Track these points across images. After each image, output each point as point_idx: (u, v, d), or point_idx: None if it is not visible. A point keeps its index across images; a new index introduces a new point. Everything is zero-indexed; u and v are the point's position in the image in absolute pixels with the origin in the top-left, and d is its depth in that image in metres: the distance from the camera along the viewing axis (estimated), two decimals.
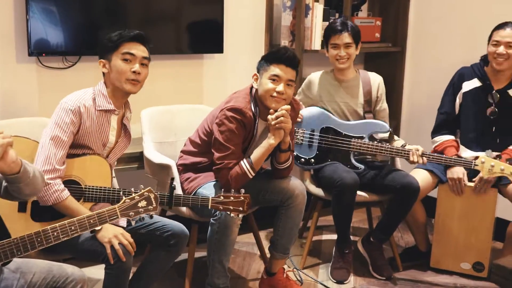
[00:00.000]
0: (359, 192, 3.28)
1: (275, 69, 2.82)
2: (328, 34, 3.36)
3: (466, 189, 3.31)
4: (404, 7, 4.38)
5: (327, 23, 3.95)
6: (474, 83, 3.40)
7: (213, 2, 3.76)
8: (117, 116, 2.63)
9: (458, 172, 3.29)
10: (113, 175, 2.82)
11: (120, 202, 2.10)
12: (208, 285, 2.88)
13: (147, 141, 3.27)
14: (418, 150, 3.18)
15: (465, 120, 3.42)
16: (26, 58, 3.24)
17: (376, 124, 3.34)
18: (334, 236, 3.41)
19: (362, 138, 3.30)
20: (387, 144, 3.31)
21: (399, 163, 3.55)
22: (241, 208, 2.59)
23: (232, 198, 2.58)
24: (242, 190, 2.60)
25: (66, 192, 2.42)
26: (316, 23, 3.92)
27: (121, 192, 2.42)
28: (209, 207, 2.58)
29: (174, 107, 3.47)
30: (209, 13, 3.78)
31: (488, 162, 3.07)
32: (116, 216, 2.07)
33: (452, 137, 3.44)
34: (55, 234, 1.92)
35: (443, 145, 3.41)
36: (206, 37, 3.81)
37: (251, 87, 2.95)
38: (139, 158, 3.28)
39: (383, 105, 3.49)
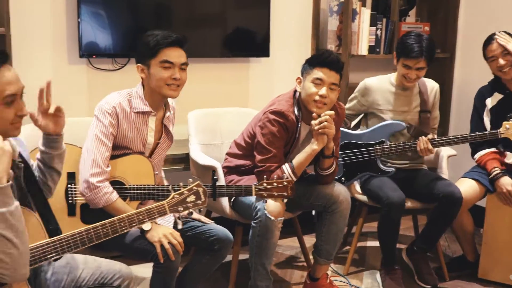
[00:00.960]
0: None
1: (318, 73, 2.80)
2: (403, 53, 3.21)
3: None
4: (454, 12, 4.31)
5: (374, 28, 3.94)
6: (496, 97, 3.37)
7: (260, 7, 3.78)
8: (155, 117, 2.63)
9: (506, 184, 3.21)
10: (163, 175, 2.86)
11: (169, 198, 2.10)
12: (251, 287, 2.88)
13: (193, 143, 3.30)
14: (425, 137, 3.13)
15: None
16: (77, 60, 3.32)
17: (391, 125, 3.28)
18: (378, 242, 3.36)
19: (383, 142, 3.25)
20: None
21: (446, 170, 3.48)
22: (285, 193, 2.61)
23: (275, 184, 2.60)
24: (285, 175, 2.66)
25: (115, 194, 2.45)
26: (363, 28, 3.89)
27: (169, 187, 2.48)
28: (253, 195, 2.61)
29: (220, 109, 3.49)
30: (256, 17, 3.80)
31: None
32: (165, 212, 2.08)
33: (491, 149, 3.36)
34: (105, 230, 1.94)
35: (483, 160, 3.35)
36: (253, 41, 3.83)
37: (295, 91, 2.93)
38: (185, 159, 3.31)
39: (436, 113, 3.45)
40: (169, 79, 2.51)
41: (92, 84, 3.40)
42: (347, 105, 3.42)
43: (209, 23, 3.67)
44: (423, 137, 3.17)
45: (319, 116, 2.77)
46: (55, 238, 1.87)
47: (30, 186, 2.00)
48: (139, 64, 2.56)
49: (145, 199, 2.58)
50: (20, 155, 1.98)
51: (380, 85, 3.37)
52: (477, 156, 3.40)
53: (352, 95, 3.46)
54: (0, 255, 1.63)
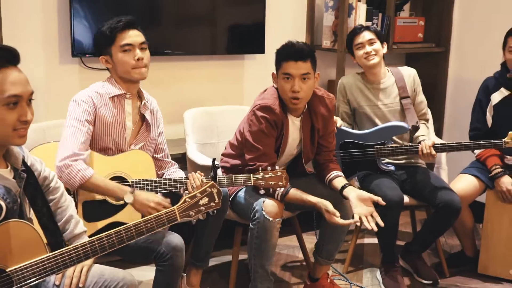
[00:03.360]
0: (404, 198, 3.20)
1: (285, 68, 2.75)
2: (350, 38, 3.31)
3: None
4: (448, 7, 4.28)
5: (370, 23, 3.90)
6: (502, 93, 3.32)
7: (255, 3, 3.73)
8: (131, 100, 2.61)
9: (506, 183, 3.20)
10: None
11: (180, 202, 2.02)
12: None
13: (190, 142, 3.25)
14: (428, 141, 3.10)
15: (501, 130, 3.28)
16: (69, 59, 3.25)
17: (395, 127, 3.24)
18: (377, 240, 3.34)
19: (384, 144, 3.22)
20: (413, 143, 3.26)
21: (445, 166, 3.47)
22: (280, 183, 2.66)
23: (271, 173, 2.65)
24: (277, 166, 2.68)
25: (90, 170, 2.40)
26: (359, 23, 3.84)
27: (177, 181, 2.54)
28: (252, 184, 2.64)
29: (215, 108, 3.45)
30: (251, 13, 3.75)
31: None
32: (175, 219, 2.01)
33: None
34: (110, 241, 1.88)
35: (484, 155, 3.33)
36: (248, 38, 3.79)
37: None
38: (182, 159, 3.26)
39: (420, 97, 3.39)
40: (133, 61, 2.52)
41: (84, 84, 3.26)
42: (340, 110, 3.37)
43: (203, 20, 3.62)
44: (426, 142, 3.11)
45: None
46: (57, 252, 1.80)
47: (32, 196, 1.93)
48: (101, 56, 2.58)
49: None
50: (24, 163, 1.91)
51: (356, 83, 3.35)
52: (477, 151, 3.38)
53: (336, 102, 3.36)
54: None
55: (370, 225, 2.66)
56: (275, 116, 2.77)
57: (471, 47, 4.27)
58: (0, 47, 1.77)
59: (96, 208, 2.47)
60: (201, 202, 2.04)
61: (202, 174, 2.58)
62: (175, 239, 2.41)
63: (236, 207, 2.91)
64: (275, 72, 2.85)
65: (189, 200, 2.01)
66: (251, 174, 2.67)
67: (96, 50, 2.64)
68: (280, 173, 2.67)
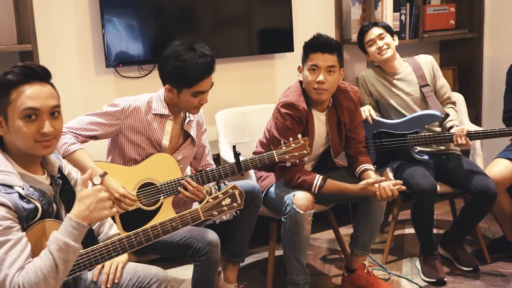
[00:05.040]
0: (439, 186, 3.18)
1: (312, 59, 2.80)
2: (361, 37, 3.36)
3: None
4: None
5: (398, 14, 3.91)
6: None
7: (281, 1, 3.78)
8: (173, 122, 2.67)
9: None
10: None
11: (203, 202, 2.11)
12: (288, 283, 2.89)
13: (223, 143, 3.33)
14: (463, 131, 3.07)
15: None
16: (104, 70, 3.38)
17: (427, 116, 3.24)
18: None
19: (417, 132, 3.22)
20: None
21: (479, 152, 3.44)
22: (305, 151, 2.71)
23: (293, 145, 2.70)
24: (299, 136, 2.73)
25: (75, 147, 2.49)
26: (386, 15, 3.87)
27: (198, 175, 2.60)
28: (276, 160, 2.69)
29: (247, 108, 3.52)
30: (278, 12, 3.81)
31: None
32: (199, 218, 2.09)
33: None
34: (138, 239, 1.97)
35: None
36: (276, 37, 3.84)
37: (301, 80, 2.93)
38: (216, 160, 3.33)
39: (441, 82, 3.39)
40: (198, 104, 2.59)
41: (121, 93, 3.45)
42: (365, 103, 3.40)
43: (232, 23, 3.69)
44: (460, 131, 3.10)
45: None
46: (89, 249, 1.90)
47: (67, 202, 2.04)
48: (168, 85, 2.59)
49: (178, 193, 2.61)
50: (59, 171, 2.03)
51: (375, 75, 3.39)
52: None
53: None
54: (41, 275, 1.70)
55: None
56: (298, 113, 2.82)
57: (504, 31, 4.20)
58: (22, 65, 1.88)
59: (132, 217, 2.54)
60: (223, 203, 2.12)
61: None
62: (211, 235, 2.50)
63: (269, 202, 2.97)
64: (301, 65, 2.91)
65: (212, 201, 2.11)
66: (274, 151, 2.72)
67: (164, 76, 2.60)
68: (303, 141, 2.71)
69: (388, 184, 2.76)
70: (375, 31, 3.29)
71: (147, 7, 3.42)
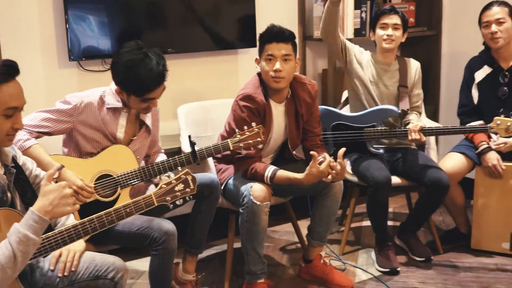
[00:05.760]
0: (394, 178, 3.29)
1: (268, 49, 2.90)
2: (379, 15, 3.39)
3: (503, 170, 3.29)
4: None
5: (358, 11, 3.99)
6: (485, 70, 3.42)
7: None
8: (127, 114, 2.72)
9: (492, 158, 3.28)
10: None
11: (156, 188, 2.17)
12: (246, 273, 2.97)
13: (184, 136, 3.37)
14: (417, 127, 3.18)
15: (484, 108, 3.41)
16: (67, 63, 3.40)
17: (384, 110, 3.35)
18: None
19: (374, 126, 3.33)
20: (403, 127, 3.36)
21: (434, 146, 3.56)
22: (259, 139, 2.78)
23: (247, 133, 2.78)
24: (253, 124, 2.79)
25: (29, 142, 2.54)
26: (347, 12, 3.95)
27: (159, 165, 2.66)
28: (231, 149, 2.76)
29: (209, 102, 3.57)
30: (242, 8, 3.86)
31: (504, 123, 3.08)
32: (152, 203, 2.15)
33: (479, 122, 3.41)
34: (92, 225, 2.03)
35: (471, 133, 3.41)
36: (240, 32, 3.89)
37: (259, 73, 3.02)
38: (178, 153, 3.38)
39: (418, 90, 3.50)
40: (147, 107, 2.65)
41: (84, 86, 3.45)
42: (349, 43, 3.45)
43: (197, 18, 3.73)
44: (414, 127, 3.20)
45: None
46: (43, 236, 1.95)
47: (22, 191, 2.09)
48: (118, 88, 2.63)
49: (134, 184, 2.68)
50: (13, 160, 2.08)
51: (371, 57, 3.46)
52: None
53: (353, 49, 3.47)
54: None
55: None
56: (256, 104, 2.90)
57: (462, 29, 4.33)
58: (3, 63, 1.94)
59: (90, 209, 2.51)
60: (176, 188, 2.18)
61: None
62: (167, 224, 2.56)
63: (228, 194, 3.04)
64: (258, 57, 3.00)
65: (165, 186, 2.17)
66: (229, 139, 2.79)
67: (115, 77, 2.63)
68: (257, 129, 2.78)
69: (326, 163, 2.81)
70: (394, 19, 3.33)
71: (113, 2, 3.44)
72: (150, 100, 2.62)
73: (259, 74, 3.03)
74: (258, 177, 2.88)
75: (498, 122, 3.10)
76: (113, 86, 2.69)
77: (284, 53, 2.88)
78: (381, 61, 3.44)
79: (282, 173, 2.88)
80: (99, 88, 2.73)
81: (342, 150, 2.83)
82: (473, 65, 3.49)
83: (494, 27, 3.28)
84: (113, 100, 2.68)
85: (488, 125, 3.16)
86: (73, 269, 2.18)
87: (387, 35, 3.33)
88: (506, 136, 3.13)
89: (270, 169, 2.88)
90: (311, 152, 2.81)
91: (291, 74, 2.94)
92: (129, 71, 2.54)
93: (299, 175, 2.84)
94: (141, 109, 2.69)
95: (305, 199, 3.57)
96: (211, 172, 3.08)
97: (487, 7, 3.35)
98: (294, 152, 3.14)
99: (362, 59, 3.43)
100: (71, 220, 2.28)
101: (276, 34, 2.90)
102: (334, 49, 3.38)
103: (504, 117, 3.09)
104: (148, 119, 2.82)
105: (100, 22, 3.41)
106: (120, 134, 2.71)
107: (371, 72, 3.43)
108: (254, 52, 3.92)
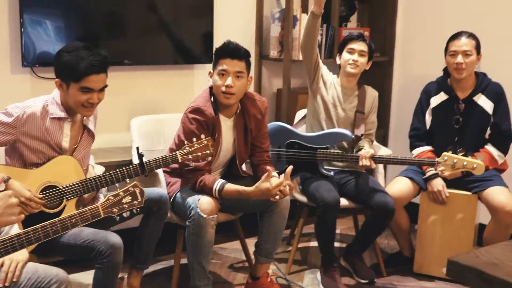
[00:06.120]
0: (342, 200, 3.35)
1: (221, 64, 2.95)
2: (347, 40, 3.47)
3: (447, 197, 3.39)
4: (392, 17, 4.48)
5: None
6: (441, 96, 3.50)
7: (204, 14, 3.86)
8: (70, 123, 2.69)
9: (437, 185, 3.38)
10: (92, 163, 2.93)
11: (104, 200, 2.16)
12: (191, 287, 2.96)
13: (136, 149, 3.35)
14: (368, 153, 3.26)
15: (437, 134, 3.50)
16: (20, 69, 3.34)
17: (339, 134, 3.42)
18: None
19: (327, 148, 3.39)
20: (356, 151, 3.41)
21: (381, 169, 3.64)
22: (208, 151, 2.79)
23: (196, 145, 2.78)
24: (202, 136, 2.79)
25: None
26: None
27: (106, 177, 2.61)
28: (180, 161, 2.75)
29: (163, 115, 3.57)
30: (200, 24, 3.88)
31: (450, 159, 3.16)
32: (99, 215, 2.14)
33: (428, 148, 3.52)
34: (37, 235, 2.00)
35: (420, 157, 3.49)
36: (197, 48, 3.91)
37: (211, 87, 3.06)
38: (128, 165, 3.35)
39: (373, 118, 3.60)
40: (86, 102, 2.60)
41: (36, 93, 3.37)
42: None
43: (154, 30, 3.74)
44: (366, 153, 3.27)
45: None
46: None
47: None
48: (58, 79, 2.62)
49: (81, 195, 2.64)
50: None
51: (335, 80, 3.53)
52: (415, 152, 3.56)
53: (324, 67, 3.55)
54: None
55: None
56: (205, 117, 2.94)
57: (413, 56, 4.46)
58: None
59: (34, 220, 2.44)
60: (124, 200, 2.18)
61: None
62: (114, 237, 2.53)
63: (176, 208, 3.04)
64: (211, 71, 3.04)
65: (112, 198, 2.16)
66: (178, 151, 2.78)
67: (55, 70, 2.65)
68: (206, 141, 2.80)
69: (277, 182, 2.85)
70: (361, 46, 3.43)
71: (71, 8, 3.42)
72: (89, 92, 2.57)
73: (210, 88, 3.06)
74: (206, 190, 2.90)
75: (446, 158, 3.17)
76: (55, 95, 2.66)
77: (237, 70, 2.93)
78: (343, 85, 3.51)
79: (231, 186, 2.90)
80: (42, 97, 2.69)
81: (290, 169, 2.87)
82: (430, 90, 3.56)
83: (460, 58, 3.33)
84: (56, 110, 2.64)
85: (436, 159, 3.24)
86: (14, 279, 2.13)
87: (353, 60, 3.42)
88: (452, 172, 3.22)
89: (219, 182, 2.90)
90: (267, 167, 2.86)
91: (241, 91, 2.98)
92: (70, 54, 2.56)
93: (247, 188, 2.87)
94: (80, 105, 2.59)
95: (255, 217, 3.58)
96: (161, 186, 3.08)
97: (456, 36, 3.40)
98: (242, 168, 3.16)
99: (327, 80, 3.51)
100: (14, 230, 2.24)
101: (232, 51, 2.94)
102: (309, 64, 3.44)
103: (452, 153, 3.18)
104: (91, 123, 2.79)
105: (57, 27, 3.38)
106: (66, 143, 2.68)
107: (332, 95, 3.50)
108: (210, 68, 3.93)
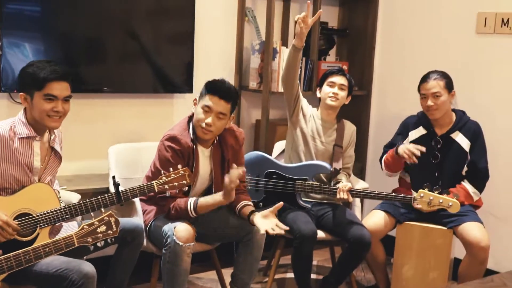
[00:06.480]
0: (319, 232, 3.35)
1: (208, 100, 2.96)
2: (327, 74, 3.54)
3: (422, 230, 3.40)
4: (370, 53, 4.55)
5: None
6: (419, 131, 3.55)
7: (184, 44, 3.89)
8: (40, 142, 2.68)
9: (403, 149, 3.35)
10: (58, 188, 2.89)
11: (78, 229, 2.14)
12: None
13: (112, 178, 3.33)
14: (345, 187, 3.28)
15: (416, 168, 3.50)
16: None
17: (318, 166, 3.46)
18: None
19: (306, 180, 3.41)
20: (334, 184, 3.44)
21: (358, 202, 3.66)
22: (184, 181, 2.77)
23: (173, 175, 2.76)
24: (179, 166, 2.78)
25: None
26: (283, 66, 4.03)
27: (76, 205, 2.57)
28: (156, 190, 2.73)
29: (141, 144, 3.56)
30: (181, 54, 3.91)
31: (427, 196, 3.20)
32: (73, 244, 2.11)
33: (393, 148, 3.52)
34: (9, 264, 1.97)
35: (387, 156, 3.52)
36: (178, 78, 3.93)
37: (190, 116, 3.07)
38: (105, 193, 3.32)
39: (350, 152, 3.64)
40: (51, 111, 2.59)
41: None
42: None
43: (133, 59, 3.75)
44: (344, 187, 3.30)
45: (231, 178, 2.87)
46: None
47: None
48: (22, 93, 2.63)
49: (55, 223, 2.59)
50: None
51: (311, 110, 3.57)
52: (383, 158, 3.61)
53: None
54: None
55: (276, 231, 2.87)
56: (181, 146, 2.94)
57: (390, 91, 4.53)
58: None
59: (6, 248, 2.40)
60: (99, 230, 2.17)
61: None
62: (87, 267, 2.48)
63: (152, 236, 3.02)
64: (197, 99, 3.05)
65: (87, 227, 2.14)
66: (154, 181, 2.77)
67: (19, 86, 2.70)
68: (183, 172, 2.79)
69: (270, 224, 2.91)
70: (341, 80, 3.50)
71: (52, 33, 3.43)
72: (53, 101, 2.57)
73: (190, 117, 3.07)
74: (182, 214, 2.89)
75: (422, 195, 3.22)
76: (21, 115, 2.66)
77: (221, 111, 2.95)
78: (323, 118, 3.56)
79: (203, 200, 2.92)
80: (7, 120, 2.68)
81: (279, 205, 2.92)
82: (408, 124, 3.61)
83: (429, 101, 3.38)
84: (24, 129, 2.62)
85: (412, 196, 3.28)
86: None
87: (333, 93, 3.47)
88: (428, 210, 3.26)
89: (191, 200, 2.91)
90: (233, 165, 2.92)
91: (219, 130, 3.02)
92: (31, 66, 2.61)
93: (218, 196, 2.90)
94: (45, 115, 2.58)
95: (231, 247, 3.57)
96: (138, 215, 3.05)
97: (424, 79, 3.44)
98: None
99: (307, 113, 3.54)
100: None
101: (222, 91, 2.97)
102: (289, 96, 3.47)
103: (428, 191, 3.22)
104: (57, 145, 2.78)
105: (36, 50, 3.37)
106: (37, 162, 2.66)
107: (311, 127, 3.53)
108: (190, 97, 3.96)
